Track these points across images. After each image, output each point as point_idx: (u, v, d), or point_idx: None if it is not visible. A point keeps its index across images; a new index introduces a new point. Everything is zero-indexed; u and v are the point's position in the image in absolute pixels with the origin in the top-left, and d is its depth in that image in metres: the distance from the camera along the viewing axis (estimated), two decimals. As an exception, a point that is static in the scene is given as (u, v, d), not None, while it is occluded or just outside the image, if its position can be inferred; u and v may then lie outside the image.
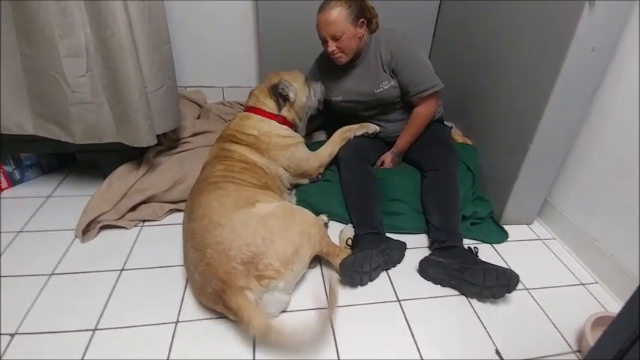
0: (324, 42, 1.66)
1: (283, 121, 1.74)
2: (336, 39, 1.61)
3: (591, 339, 1.19)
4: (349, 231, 1.59)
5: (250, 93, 1.81)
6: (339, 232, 1.63)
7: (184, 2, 2.26)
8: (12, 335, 1.19)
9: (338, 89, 1.85)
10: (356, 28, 1.63)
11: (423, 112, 1.78)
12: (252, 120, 1.69)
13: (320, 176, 1.84)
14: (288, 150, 1.69)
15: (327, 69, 1.86)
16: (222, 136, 1.70)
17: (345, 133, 1.87)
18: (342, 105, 1.87)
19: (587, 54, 1.41)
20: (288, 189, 1.78)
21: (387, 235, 1.57)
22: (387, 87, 1.74)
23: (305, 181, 1.82)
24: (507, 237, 1.71)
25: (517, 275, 1.33)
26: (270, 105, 1.72)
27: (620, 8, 1.35)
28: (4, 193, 1.83)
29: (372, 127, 1.89)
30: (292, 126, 1.78)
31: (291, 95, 1.72)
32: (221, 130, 2.10)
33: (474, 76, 1.94)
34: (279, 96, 1.70)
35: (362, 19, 1.64)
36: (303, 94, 1.78)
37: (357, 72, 1.79)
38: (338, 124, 1.92)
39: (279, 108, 1.72)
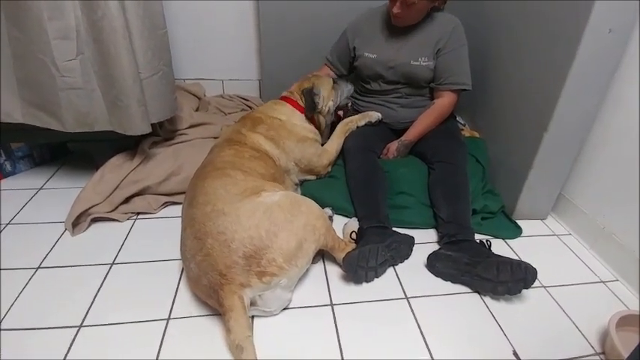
0: (392, 0, 1.59)
1: (311, 118, 1.76)
2: (406, 4, 1.55)
3: (617, 340, 1.09)
4: (353, 224, 1.50)
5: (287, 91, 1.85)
6: (343, 226, 1.55)
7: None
8: (-6, 331, 1.11)
9: (376, 46, 1.76)
10: (429, 3, 1.60)
11: (444, 105, 1.74)
12: (285, 107, 1.72)
13: (326, 175, 1.79)
14: (305, 143, 1.67)
15: (376, 22, 1.78)
16: (245, 118, 1.68)
17: (347, 125, 1.81)
18: (371, 65, 1.77)
19: (603, 36, 1.33)
20: (295, 184, 1.72)
21: (394, 229, 1.48)
22: (423, 64, 1.69)
23: (312, 177, 1.76)
24: (521, 232, 1.62)
25: (534, 268, 1.24)
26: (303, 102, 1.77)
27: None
28: (-5, 185, 1.76)
29: (374, 116, 1.83)
30: (317, 127, 1.79)
31: (319, 103, 1.74)
32: (223, 121, 2.07)
33: (482, 64, 1.86)
34: (308, 103, 1.71)
35: None
36: (330, 99, 1.79)
37: (404, 38, 1.72)
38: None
39: (314, 111, 1.74)
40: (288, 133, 1.63)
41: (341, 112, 1.89)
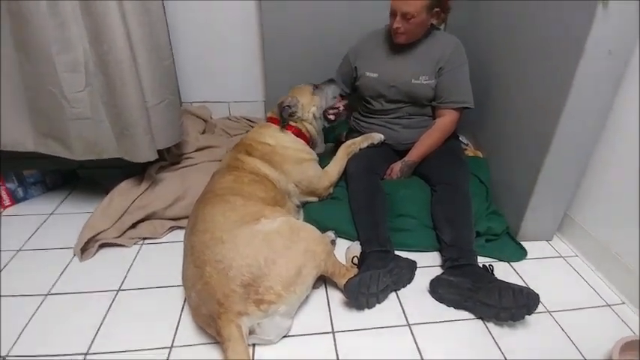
0: (392, 15, 1.62)
1: (298, 133, 1.75)
2: (405, 18, 1.58)
3: (621, 368, 1.08)
4: (355, 249, 1.51)
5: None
6: (345, 250, 1.55)
7: (189, 19, 2.26)
8: (3, 358, 1.14)
9: (377, 65, 1.79)
10: (428, 17, 1.62)
11: (446, 123, 1.75)
12: (270, 129, 1.73)
13: (328, 197, 1.79)
14: (302, 165, 1.68)
15: (377, 42, 1.82)
16: (239, 145, 1.70)
17: (350, 148, 1.82)
18: (373, 84, 1.79)
19: (603, 57, 1.33)
20: (297, 206, 1.73)
21: (397, 253, 1.48)
22: (424, 82, 1.71)
23: (314, 199, 1.77)
24: (526, 254, 1.61)
25: (536, 294, 1.24)
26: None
27: (637, 8, 1.27)
28: (7, 211, 1.82)
29: (376, 137, 1.83)
30: (308, 141, 1.79)
31: (297, 110, 1.74)
32: (228, 143, 2.10)
33: (483, 84, 1.87)
34: (286, 113, 1.72)
35: (437, 9, 1.63)
36: (311, 105, 1.79)
37: (404, 57, 1.75)
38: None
39: (286, 123, 1.73)
40: (282, 158, 1.64)
41: (332, 116, 1.87)
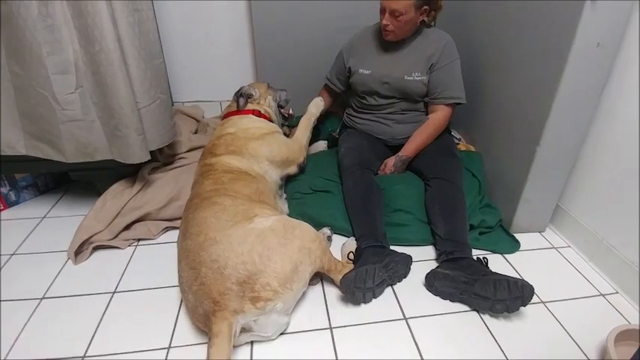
0: (382, 12, 1.64)
1: (258, 114, 1.79)
2: (394, 15, 1.59)
3: (615, 355, 1.09)
4: (351, 244, 1.51)
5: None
6: (341, 246, 1.56)
7: (180, 19, 2.25)
8: (-1, 364, 1.14)
9: (370, 62, 1.80)
10: (417, 14, 1.62)
11: (439, 119, 1.76)
12: (231, 120, 1.75)
13: (305, 161, 1.83)
14: (264, 139, 1.68)
15: (369, 39, 1.84)
16: (203, 153, 1.69)
17: (309, 119, 1.90)
18: (366, 81, 1.80)
19: (592, 50, 1.35)
20: (279, 186, 1.73)
21: (392, 247, 1.49)
22: (417, 78, 1.72)
23: (293, 169, 1.78)
24: (519, 246, 1.63)
25: (531, 286, 1.25)
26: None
27: (624, 2, 1.29)
28: (-1, 215, 1.80)
29: (319, 103, 1.95)
30: (269, 119, 1.84)
31: (254, 93, 1.83)
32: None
33: (474, 79, 1.88)
34: (242, 96, 1.80)
35: (426, 7, 1.63)
36: (268, 94, 1.89)
37: (397, 53, 1.76)
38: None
39: (244, 105, 1.80)
40: (245, 139, 1.63)
41: (286, 114, 1.97)
